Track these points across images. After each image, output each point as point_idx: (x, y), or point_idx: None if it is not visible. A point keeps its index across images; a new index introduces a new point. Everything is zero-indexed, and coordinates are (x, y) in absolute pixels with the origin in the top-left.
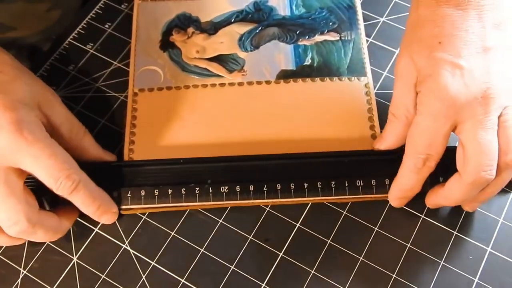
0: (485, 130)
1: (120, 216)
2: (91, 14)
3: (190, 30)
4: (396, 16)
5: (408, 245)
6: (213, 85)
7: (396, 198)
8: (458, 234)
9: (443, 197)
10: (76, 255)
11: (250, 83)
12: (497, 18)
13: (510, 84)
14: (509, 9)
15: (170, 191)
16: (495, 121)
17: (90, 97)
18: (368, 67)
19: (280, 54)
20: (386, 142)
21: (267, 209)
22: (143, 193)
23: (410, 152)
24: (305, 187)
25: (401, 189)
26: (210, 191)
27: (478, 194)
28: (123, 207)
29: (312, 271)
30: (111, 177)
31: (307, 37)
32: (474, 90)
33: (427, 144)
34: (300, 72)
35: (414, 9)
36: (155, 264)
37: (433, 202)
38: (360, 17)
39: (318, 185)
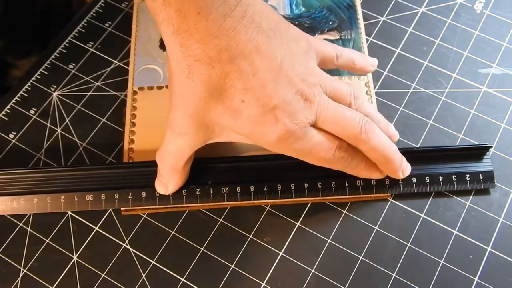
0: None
1: (120, 215)
2: (91, 13)
3: None
4: (396, 15)
5: (408, 244)
6: None
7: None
8: (458, 234)
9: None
10: (76, 254)
11: None
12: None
13: (288, 97)
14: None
15: None
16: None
17: (91, 96)
18: None
19: None
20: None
21: (267, 208)
22: (144, 194)
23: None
24: (306, 187)
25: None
26: (211, 192)
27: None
28: (124, 208)
29: (312, 270)
30: (112, 178)
31: None
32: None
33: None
34: None
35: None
36: (155, 263)
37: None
38: (360, 16)
39: (319, 185)
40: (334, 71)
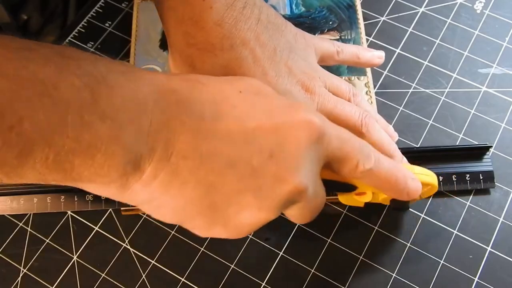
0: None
1: (120, 215)
2: (91, 12)
3: None
4: (396, 15)
5: (408, 244)
6: None
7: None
8: (458, 234)
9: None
10: (76, 253)
11: None
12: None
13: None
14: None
15: None
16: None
17: None
18: None
19: None
20: None
21: None
22: None
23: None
24: None
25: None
26: None
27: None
28: (124, 208)
29: (312, 270)
30: None
31: None
32: None
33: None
34: None
35: None
36: (155, 263)
37: None
38: (360, 16)
39: None
40: (334, 71)
